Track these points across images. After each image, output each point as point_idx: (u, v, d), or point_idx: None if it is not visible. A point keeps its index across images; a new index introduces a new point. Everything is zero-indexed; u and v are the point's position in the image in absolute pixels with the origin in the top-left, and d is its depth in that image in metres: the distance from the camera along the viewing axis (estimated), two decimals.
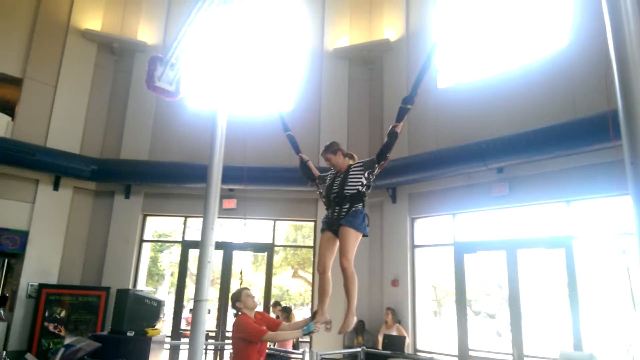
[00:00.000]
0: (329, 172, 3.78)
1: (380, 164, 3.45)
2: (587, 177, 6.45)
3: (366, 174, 3.52)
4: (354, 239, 3.41)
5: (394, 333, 7.67)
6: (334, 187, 3.58)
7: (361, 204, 3.50)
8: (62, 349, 4.44)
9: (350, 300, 3.41)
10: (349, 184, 3.51)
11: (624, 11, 3.18)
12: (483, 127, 7.45)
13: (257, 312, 4.55)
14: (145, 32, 9.99)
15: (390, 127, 3.38)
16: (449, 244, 8.21)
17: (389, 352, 6.49)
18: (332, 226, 3.53)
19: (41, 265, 8.46)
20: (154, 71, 6.64)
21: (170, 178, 9.07)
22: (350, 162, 3.69)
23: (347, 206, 3.47)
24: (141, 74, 8.11)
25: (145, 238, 9.61)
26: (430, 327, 8.89)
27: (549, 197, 6.98)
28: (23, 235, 8.36)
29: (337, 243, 3.52)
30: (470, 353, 7.44)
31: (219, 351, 7.90)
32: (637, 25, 3.15)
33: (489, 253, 8.46)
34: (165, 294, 19.99)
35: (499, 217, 7.87)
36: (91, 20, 9.69)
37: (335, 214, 3.52)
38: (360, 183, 3.51)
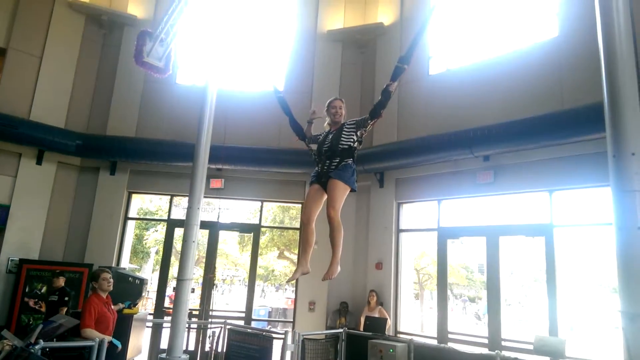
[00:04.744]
0: (322, 132, 3.89)
1: (372, 121, 3.57)
2: (570, 168, 6.56)
3: (358, 132, 3.65)
4: (342, 191, 3.49)
5: (376, 315, 7.80)
6: (326, 142, 3.68)
7: (351, 159, 3.60)
8: (41, 325, 4.43)
9: (335, 250, 3.46)
10: (342, 139, 3.62)
11: (615, 6, 3.20)
12: (471, 114, 7.50)
13: (108, 295, 5.03)
14: (135, 6, 9.75)
15: (385, 85, 3.45)
16: (434, 229, 8.32)
17: (370, 333, 6.61)
18: (321, 178, 3.60)
19: (22, 240, 8.37)
20: (142, 46, 6.53)
21: (157, 156, 8.98)
22: (343, 121, 3.81)
23: (337, 160, 3.56)
24: (130, 48, 7.95)
25: (130, 215, 9.55)
26: (412, 310, 9.06)
27: (532, 186, 7.09)
28: (4, 210, 8.24)
29: (325, 196, 3.59)
30: (450, 336, 7.62)
31: (201, 330, 7.95)
32: (627, 21, 3.18)
33: (472, 239, 8.61)
34: (150, 272, 20.00)
35: (483, 204, 7.99)
36: None
37: (326, 167, 3.60)
38: (352, 139, 3.62)
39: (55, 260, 8.59)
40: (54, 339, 4.53)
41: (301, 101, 9.26)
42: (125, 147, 8.98)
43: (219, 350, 6.74)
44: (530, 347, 5.94)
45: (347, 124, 3.70)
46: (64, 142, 8.63)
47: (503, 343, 6.89)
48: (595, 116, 5.36)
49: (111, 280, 5.04)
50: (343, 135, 3.63)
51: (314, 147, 3.84)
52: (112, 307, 5.13)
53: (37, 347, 3.98)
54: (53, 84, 8.95)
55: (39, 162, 8.66)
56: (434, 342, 7.36)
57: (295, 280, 9.50)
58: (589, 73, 5.92)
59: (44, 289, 8.10)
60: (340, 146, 3.59)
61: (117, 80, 9.51)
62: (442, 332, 7.70)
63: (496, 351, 5.36)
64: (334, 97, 3.89)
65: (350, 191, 3.57)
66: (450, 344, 7.04)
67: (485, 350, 6.40)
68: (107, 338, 4.68)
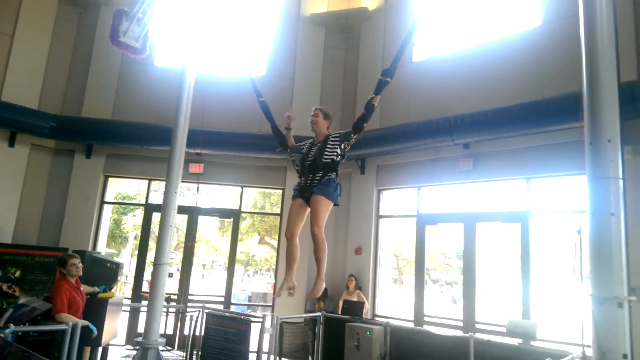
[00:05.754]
0: (305, 142, 3.81)
1: (356, 135, 3.53)
2: (547, 156, 6.67)
3: (342, 145, 3.59)
4: (326, 207, 3.46)
5: (355, 299, 7.89)
6: (310, 156, 3.62)
7: (334, 173, 3.56)
8: (11, 310, 4.34)
9: (320, 267, 3.46)
10: (326, 152, 3.56)
11: None
12: (453, 102, 7.55)
13: (77, 279, 5.01)
14: None
15: (369, 98, 3.41)
16: (413, 216, 8.41)
17: (347, 317, 6.68)
18: (304, 193, 3.57)
19: None
20: (119, 26, 6.33)
21: (134, 139, 8.79)
22: (328, 133, 3.74)
23: (320, 174, 3.51)
24: (106, 28, 7.67)
25: (106, 200, 9.38)
26: (390, 294, 9.19)
27: (510, 173, 7.21)
28: None
29: (308, 210, 3.56)
30: (426, 319, 7.76)
31: (180, 314, 7.93)
32: (609, 9, 3.21)
33: (449, 225, 8.74)
34: (128, 256, 19.78)
35: (462, 191, 8.10)
36: None
37: (309, 181, 3.55)
38: (335, 153, 3.57)
39: (29, 244, 8.40)
40: (27, 323, 4.45)
41: (283, 86, 9.18)
42: (101, 129, 8.76)
43: (197, 333, 6.73)
44: (503, 329, 6.10)
45: (332, 137, 3.65)
46: (37, 124, 8.38)
47: (477, 326, 7.05)
48: (574, 105, 5.41)
49: (80, 265, 4.99)
50: (327, 149, 3.57)
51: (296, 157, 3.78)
52: (82, 288, 5.07)
53: (7, 331, 3.89)
54: (26, 63, 8.65)
55: (11, 144, 8.41)
56: (410, 325, 7.49)
57: (275, 266, 9.52)
58: (569, 62, 5.99)
59: (17, 273, 7.92)
60: (324, 160, 3.54)
61: (93, 61, 9.24)
62: (419, 316, 7.84)
63: (470, 333, 5.49)
64: (315, 107, 3.84)
65: (334, 205, 3.53)
66: (426, 327, 7.18)
67: (459, 333, 6.54)
68: (82, 322, 4.62)
